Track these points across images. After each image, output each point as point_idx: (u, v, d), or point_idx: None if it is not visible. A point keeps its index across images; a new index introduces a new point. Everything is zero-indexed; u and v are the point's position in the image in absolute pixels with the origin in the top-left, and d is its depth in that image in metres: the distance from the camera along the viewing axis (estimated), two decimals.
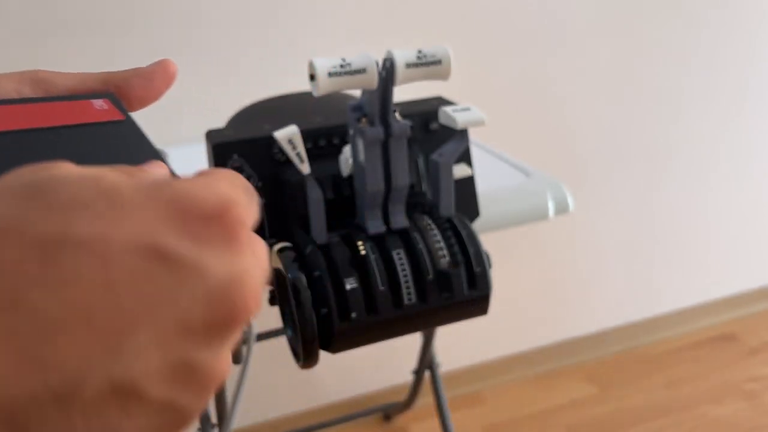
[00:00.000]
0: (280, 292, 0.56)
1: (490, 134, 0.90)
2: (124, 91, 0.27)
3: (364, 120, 0.53)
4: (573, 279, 1.50)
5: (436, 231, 0.58)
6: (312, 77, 0.49)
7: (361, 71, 0.49)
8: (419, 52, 0.50)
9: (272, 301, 0.59)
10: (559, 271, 1.48)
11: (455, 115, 0.55)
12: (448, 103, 0.65)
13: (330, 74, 0.48)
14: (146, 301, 0.16)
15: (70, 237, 0.16)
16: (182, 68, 1.19)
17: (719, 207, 1.57)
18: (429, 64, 0.50)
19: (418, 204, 0.60)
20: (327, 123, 0.61)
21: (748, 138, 1.52)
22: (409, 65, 0.50)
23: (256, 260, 0.19)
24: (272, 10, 1.03)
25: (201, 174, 0.19)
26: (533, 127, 1.29)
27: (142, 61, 1.12)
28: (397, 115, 0.57)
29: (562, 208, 0.74)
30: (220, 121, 0.80)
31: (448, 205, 0.58)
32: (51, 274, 0.15)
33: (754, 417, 1.38)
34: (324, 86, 0.48)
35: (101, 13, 0.95)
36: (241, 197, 0.19)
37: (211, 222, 0.18)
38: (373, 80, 0.49)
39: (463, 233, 0.58)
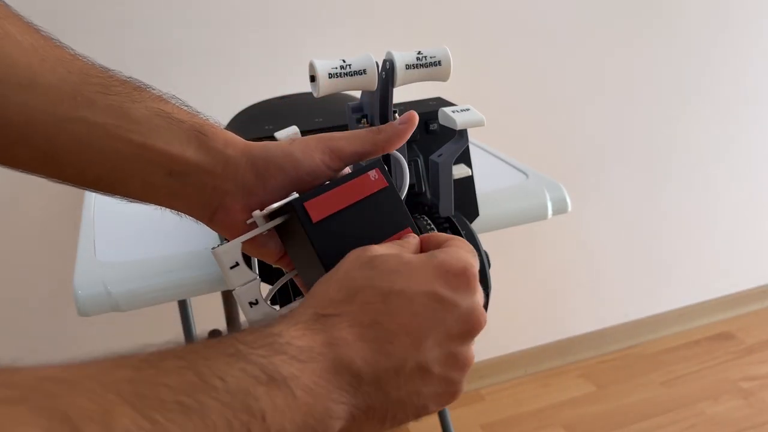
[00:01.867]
0: (282, 291, 0.57)
1: (489, 135, 0.90)
2: (387, 147, 0.40)
3: (364, 121, 0.54)
4: (571, 278, 1.51)
5: (435, 231, 0.58)
6: (312, 78, 0.49)
7: (361, 72, 0.49)
8: (419, 53, 0.51)
9: (273, 301, 0.60)
10: (557, 271, 1.49)
11: (455, 116, 0.55)
12: (447, 103, 0.65)
13: (330, 75, 0.48)
14: (431, 321, 0.31)
15: (393, 289, 0.31)
16: (182, 69, 1.20)
17: (717, 207, 1.57)
18: (428, 66, 0.51)
19: (418, 204, 0.61)
20: (327, 124, 0.61)
21: (746, 138, 1.52)
22: (408, 66, 0.50)
23: (480, 297, 0.34)
24: (273, 11, 1.03)
25: (451, 245, 0.35)
26: (532, 128, 1.29)
27: (142, 62, 1.11)
28: (396, 115, 0.57)
29: (560, 208, 0.75)
30: (220, 122, 0.80)
31: (447, 205, 0.58)
32: (387, 308, 0.31)
33: (750, 415, 1.39)
34: (324, 87, 0.48)
35: (101, 14, 0.95)
36: (472, 260, 0.34)
37: (459, 277, 0.32)
38: (373, 81, 0.49)
39: (463, 233, 0.58)
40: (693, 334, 1.65)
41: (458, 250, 0.34)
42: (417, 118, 0.40)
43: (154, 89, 0.38)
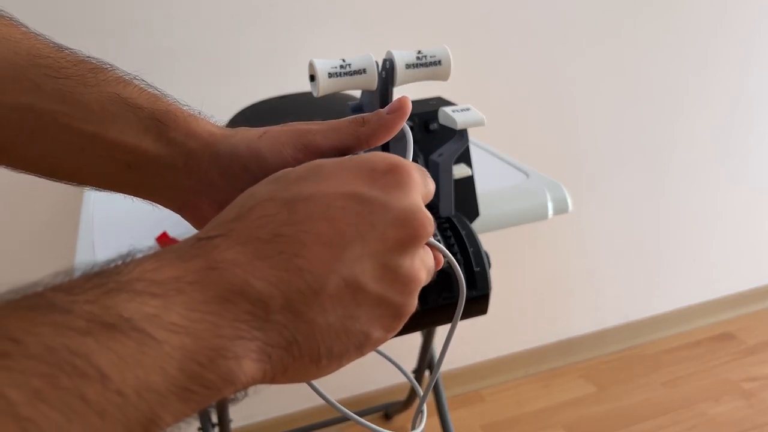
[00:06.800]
0: None
1: (489, 135, 0.90)
2: (372, 141, 0.34)
3: None
4: (572, 279, 1.51)
5: (435, 231, 0.58)
6: (312, 78, 0.49)
7: (361, 72, 0.49)
8: (419, 52, 0.51)
9: None
10: (558, 271, 1.48)
11: (455, 116, 0.55)
12: (447, 103, 0.65)
13: (330, 75, 0.48)
14: (355, 227, 0.25)
15: (301, 195, 0.26)
16: (182, 69, 1.20)
17: (717, 207, 1.57)
18: (429, 65, 0.51)
19: None
20: None
21: (746, 138, 1.52)
22: (408, 66, 0.50)
23: (420, 198, 0.28)
24: (272, 10, 1.03)
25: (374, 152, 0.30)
26: (532, 128, 1.29)
27: (142, 62, 1.11)
28: None
29: (561, 208, 0.75)
30: (220, 122, 0.80)
31: (448, 205, 0.58)
32: (292, 217, 0.25)
33: (752, 416, 1.39)
34: (324, 87, 0.48)
35: (101, 14, 0.95)
36: (404, 161, 0.28)
37: (387, 174, 0.27)
38: (373, 81, 0.49)
39: (463, 233, 0.58)
40: (694, 335, 1.65)
41: (385, 154, 0.29)
42: (410, 105, 0.34)
43: (114, 69, 0.35)
